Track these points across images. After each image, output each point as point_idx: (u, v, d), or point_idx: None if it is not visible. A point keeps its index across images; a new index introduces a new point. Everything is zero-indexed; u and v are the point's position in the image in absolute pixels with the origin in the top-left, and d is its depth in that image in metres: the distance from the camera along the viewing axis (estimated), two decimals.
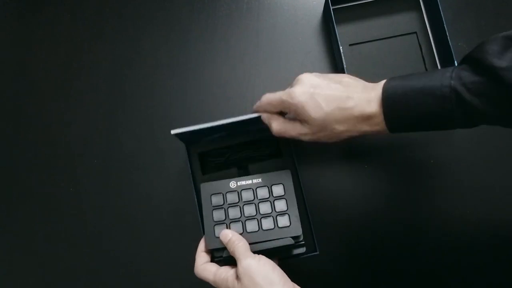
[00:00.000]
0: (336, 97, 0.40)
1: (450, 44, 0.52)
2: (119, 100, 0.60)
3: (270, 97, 0.45)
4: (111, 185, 0.58)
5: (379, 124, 0.40)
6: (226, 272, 0.42)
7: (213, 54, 0.60)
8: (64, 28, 0.63)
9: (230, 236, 0.43)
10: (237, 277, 0.40)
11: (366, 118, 0.39)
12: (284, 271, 0.53)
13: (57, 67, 0.61)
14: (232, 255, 0.42)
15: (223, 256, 0.44)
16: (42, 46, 0.62)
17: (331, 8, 0.54)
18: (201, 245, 0.46)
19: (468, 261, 0.53)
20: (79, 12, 0.63)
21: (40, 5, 0.64)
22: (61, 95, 0.61)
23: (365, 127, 0.40)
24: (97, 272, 0.56)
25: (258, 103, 0.47)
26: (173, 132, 0.45)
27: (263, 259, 0.41)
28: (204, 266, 0.43)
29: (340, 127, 0.40)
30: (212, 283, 0.42)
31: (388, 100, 0.38)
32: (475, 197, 0.54)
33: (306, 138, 0.43)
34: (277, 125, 0.45)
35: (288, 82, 0.58)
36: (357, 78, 0.43)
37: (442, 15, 0.52)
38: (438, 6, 0.52)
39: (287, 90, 0.43)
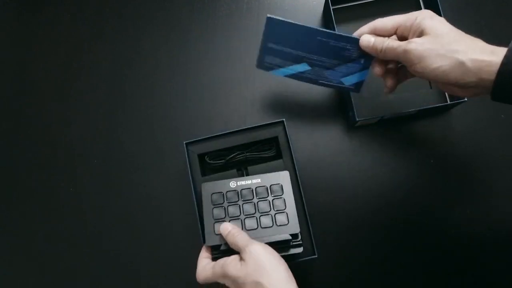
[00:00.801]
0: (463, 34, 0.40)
1: None
2: (119, 100, 0.60)
3: (384, 21, 0.44)
4: (111, 185, 0.58)
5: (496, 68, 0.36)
6: (225, 259, 0.42)
7: (213, 54, 0.60)
8: (64, 28, 0.63)
9: (230, 229, 0.44)
10: (241, 259, 0.41)
11: (482, 64, 0.37)
12: None
13: (57, 67, 0.62)
14: (234, 247, 0.42)
15: (221, 249, 0.45)
16: (42, 46, 0.62)
17: (331, 8, 0.54)
18: (202, 253, 0.46)
19: (468, 261, 0.53)
20: (79, 12, 0.63)
21: (40, 5, 0.64)
22: (61, 95, 0.61)
23: (490, 61, 0.37)
24: (97, 272, 0.56)
25: (364, 27, 0.45)
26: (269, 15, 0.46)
27: (268, 247, 0.41)
28: (203, 267, 0.44)
29: (467, 50, 0.38)
30: (212, 278, 0.42)
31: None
32: (475, 197, 0.54)
33: (418, 52, 0.40)
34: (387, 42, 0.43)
35: (288, 82, 0.58)
36: None
37: (442, 15, 0.52)
38: (438, 6, 0.52)
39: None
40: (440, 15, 0.52)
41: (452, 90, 0.41)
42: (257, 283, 0.38)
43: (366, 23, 0.57)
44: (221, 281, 0.42)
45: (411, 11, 0.57)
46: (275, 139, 0.52)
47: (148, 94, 0.60)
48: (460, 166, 0.55)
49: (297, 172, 0.50)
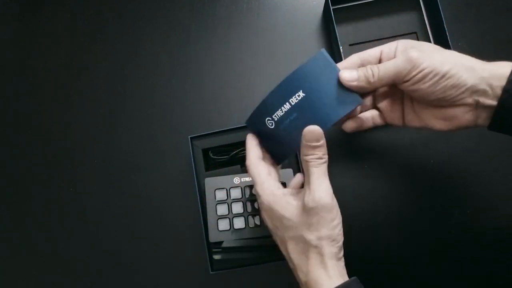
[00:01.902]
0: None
1: (450, 44, 0.52)
2: (119, 100, 0.60)
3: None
4: (111, 185, 0.58)
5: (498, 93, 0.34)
6: (284, 190, 0.37)
7: (213, 54, 0.60)
8: (64, 28, 0.63)
9: (322, 142, 0.36)
10: (304, 206, 0.35)
11: (493, 68, 0.35)
12: (284, 272, 0.54)
13: (57, 67, 0.62)
14: (305, 172, 0.36)
15: (223, 246, 0.46)
16: (42, 46, 0.62)
17: (331, 8, 0.54)
18: (251, 140, 0.40)
19: (468, 261, 0.53)
20: (79, 12, 0.63)
21: (40, 5, 0.64)
22: (61, 95, 0.61)
23: (487, 92, 0.34)
24: (98, 272, 0.56)
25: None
26: None
27: (336, 201, 0.36)
28: (258, 161, 0.39)
29: (466, 77, 0.34)
30: (259, 183, 0.37)
31: None
32: (475, 197, 0.54)
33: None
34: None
35: None
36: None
37: (442, 15, 0.52)
38: (438, 6, 0.52)
39: (403, 57, 0.35)
40: (440, 15, 0.52)
41: (445, 114, 0.37)
42: (304, 240, 0.34)
43: (366, 23, 0.57)
44: (262, 214, 0.38)
45: (411, 11, 0.57)
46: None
47: (148, 94, 0.60)
48: (460, 166, 0.55)
49: (301, 170, 0.50)
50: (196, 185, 0.50)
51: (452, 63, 0.35)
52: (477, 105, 0.35)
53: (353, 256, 0.54)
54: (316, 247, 0.34)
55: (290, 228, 0.36)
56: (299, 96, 0.38)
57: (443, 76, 0.34)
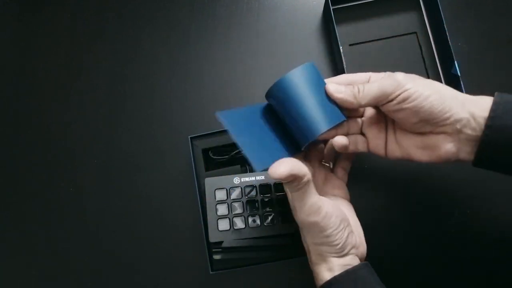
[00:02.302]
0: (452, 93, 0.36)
1: (450, 44, 0.52)
2: (119, 100, 0.60)
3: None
4: (111, 185, 0.58)
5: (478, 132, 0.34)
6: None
7: (213, 54, 0.60)
8: (64, 28, 0.63)
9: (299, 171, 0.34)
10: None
11: (476, 99, 0.35)
12: (284, 272, 0.54)
13: (57, 67, 0.62)
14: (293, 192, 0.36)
15: (223, 246, 0.46)
16: (42, 46, 0.62)
17: (331, 8, 0.54)
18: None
19: (468, 261, 0.53)
20: (79, 12, 0.63)
21: (40, 5, 0.64)
22: (61, 95, 0.61)
23: (468, 130, 0.35)
24: (98, 272, 0.56)
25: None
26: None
27: (323, 213, 0.36)
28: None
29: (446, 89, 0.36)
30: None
31: (497, 117, 0.33)
32: (475, 197, 0.54)
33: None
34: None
35: None
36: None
37: (442, 15, 0.52)
38: (438, 6, 0.52)
39: (389, 78, 0.36)
40: (440, 15, 0.52)
41: (426, 142, 0.37)
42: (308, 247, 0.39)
43: (366, 23, 0.58)
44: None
45: (411, 11, 0.57)
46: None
47: (148, 94, 0.60)
48: (460, 166, 0.55)
49: None
50: (196, 185, 0.50)
51: (436, 89, 0.35)
52: (460, 136, 0.36)
53: None
54: (313, 253, 0.39)
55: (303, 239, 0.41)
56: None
57: (427, 97, 0.35)
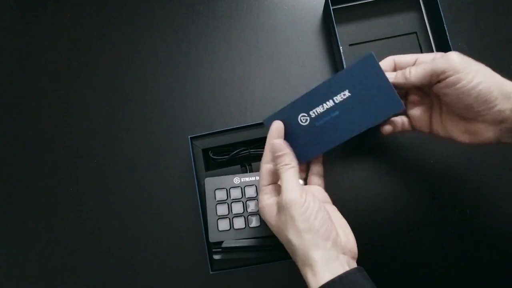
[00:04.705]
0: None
1: (450, 44, 0.52)
2: (119, 100, 0.60)
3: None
4: (111, 185, 0.58)
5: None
6: (275, 198, 0.38)
7: (213, 54, 0.60)
8: (64, 28, 0.63)
9: (285, 151, 0.38)
10: (278, 209, 0.37)
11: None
12: (284, 272, 0.54)
13: (57, 66, 0.62)
14: (277, 172, 0.38)
15: (223, 246, 0.46)
16: (42, 46, 0.62)
17: (331, 8, 0.54)
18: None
19: (468, 261, 0.53)
20: (79, 12, 0.63)
21: (40, 5, 0.64)
22: (61, 95, 0.61)
23: (503, 105, 0.35)
24: (97, 272, 0.56)
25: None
26: None
27: (310, 196, 0.36)
28: (262, 166, 0.40)
29: (486, 85, 0.35)
30: (259, 190, 0.40)
31: None
32: (475, 197, 0.54)
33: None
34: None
35: (288, 82, 0.58)
36: None
37: (442, 15, 0.52)
38: (438, 6, 0.52)
39: (442, 57, 0.36)
40: (440, 15, 0.52)
41: (469, 128, 0.38)
42: (288, 240, 0.36)
43: (366, 23, 0.57)
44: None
45: (411, 11, 0.57)
46: None
47: (148, 94, 0.60)
48: (460, 166, 0.55)
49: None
50: (196, 185, 0.50)
51: (487, 78, 0.35)
52: (502, 125, 0.36)
53: None
54: (297, 245, 0.35)
55: (278, 234, 0.38)
56: (344, 95, 0.39)
57: (475, 86, 0.35)
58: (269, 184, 0.40)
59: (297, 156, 0.40)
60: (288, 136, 0.42)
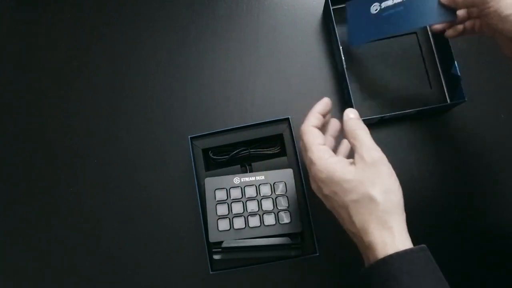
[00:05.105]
0: None
1: (450, 44, 0.52)
2: (119, 100, 0.60)
3: None
4: (111, 185, 0.58)
5: None
6: (337, 157, 0.37)
7: (213, 54, 0.60)
8: (64, 28, 0.63)
9: (354, 117, 0.38)
10: (353, 162, 0.35)
11: None
12: (284, 272, 0.54)
13: (57, 67, 0.62)
14: (348, 136, 0.37)
15: (223, 246, 0.45)
16: (42, 46, 0.62)
17: (331, 8, 0.54)
18: (318, 106, 0.41)
19: (467, 261, 0.53)
20: (79, 12, 0.63)
21: (40, 5, 0.64)
22: (61, 95, 0.61)
23: None
24: (97, 272, 0.56)
25: None
26: None
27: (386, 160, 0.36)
28: (312, 129, 0.39)
29: None
30: (314, 151, 0.37)
31: None
32: (475, 197, 0.54)
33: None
34: None
35: (288, 82, 0.58)
36: None
37: None
38: None
39: None
40: None
41: None
42: (369, 197, 0.33)
43: None
44: (315, 183, 0.37)
45: None
46: (279, 136, 0.52)
47: (148, 94, 0.60)
48: (460, 166, 0.55)
49: (301, 170, 0.50)
50: (196, 185, 0.50)
51: None
52: None
53: (354, 255, 0.54)
54: (381, 203, 0.33)
55: (352, 190, 0.34)
56: None
57: (505, 17, 0.37)
58: (322, 144, 0.38)
59: (358, 36, 0.51)
60: (358, 18, 0.51)
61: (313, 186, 0.38)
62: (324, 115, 0.41)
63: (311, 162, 0.37)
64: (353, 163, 0.36)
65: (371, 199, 0.34)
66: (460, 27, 0.47)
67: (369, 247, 0.34)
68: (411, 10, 0.46)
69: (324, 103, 0.41)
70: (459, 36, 0.48)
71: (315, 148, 0.37)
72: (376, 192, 0.34)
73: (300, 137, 0.39)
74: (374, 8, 0.50)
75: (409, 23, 0.47)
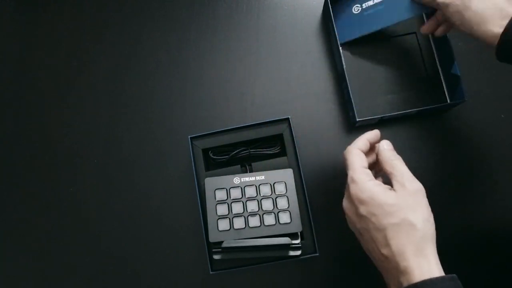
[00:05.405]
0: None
1: (450, 44, 0.52)
2: (119, 100, 0.60)
3: None
4: (111, 185, 0.58)
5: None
6: (375, 182, 0.38)
7: (213, 54, 0.60)
8: (64, 28, 0.63)
9: (388, 148, 0.41)
10: (407, 191, 0.36)
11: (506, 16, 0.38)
12: (284, 272, 0.54)
13: (57, 67, 0.62)
14: (385, 166, 0.39)
15: (223, 246, 0.45)
16: (42, 46, 0.62)
17: (331, 8, 0.54)
18: (368, 134, 0.42)
19: (467, 260, 0.53)
20: (79, 12, 0.63)
21: (40, 4, 0.64)
22: (61, 95, 0.61)
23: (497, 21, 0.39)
24: (97, 272, 0.56)
25: None
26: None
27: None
28: (358, 151, 0.40)
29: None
30: (358, 172, 0.38)
31: None
32: (475, 197, 0.54)
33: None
34: None
35: (288, 82, 0.58)
36: None
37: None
38: None
39: None
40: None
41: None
42: (409, 223, 0.34)
43: None
44: (351, 202, 0.38)
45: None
46: (279, 136, 0.52)
47: (148, 94, 0.60)
48: (460, 166, 0.55)
49: (301, 170, 0.50)
50: (196, 185, 0.50)
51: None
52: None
53: (355, 254, 0.54)
54: (420, 230, 0.34)
55: (393, 214, 0.35)
56: None
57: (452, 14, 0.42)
58: (366, 168, 0.39)
59: (343, 35, 0.55)
60: (341, 19, 0.56)
61: (346, 205, 0.39)
62: (371, 144, 0.42)
63: (353, 181, 0.38)
64: (392, 189, 0.37)
65: (411, 225, 0.34)
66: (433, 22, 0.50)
67: (404, 271, 0.34)
68: (390, 8, 0.51)
69: (375, 134, 0.42)
70: (445, 32, 0.50)
71: (358, 170, 0.38)
72: (417, 219, 0.35)
73: (345, 157, 0.40)
74: (356, 9, 0.55)
75: (389, 19, 0.52)
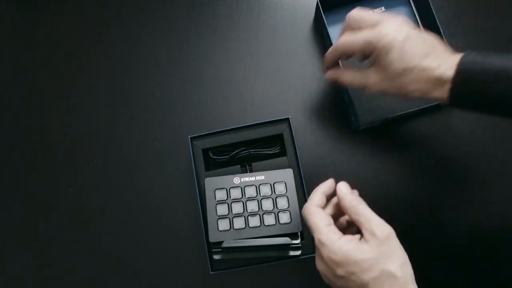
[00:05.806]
0: (423, 52, 0.38)
1: (449, 44, 0.52)
2: (119, 100, 0.60)
3: (350, 40, 0.41)
4: (111, 185, 0.58)
5: (446, 93, 0.38)
6: (339, 240, 0.36)
7: (213, 54, 0.60)
8: (64, 28, 0.63)
9: (346, 192, 0.39)
10: (362, 238, 0.36)
11: (443, 82, 0.37)
12: (284, 272, 0.54)
13: (57, 67, 0.62)
14: (351, 215, 0.38)
15: (223, 246, 0.45)
16: (42, 46, 0.62)
17: (322, 12, 0.53)
18: (322, 187, 0.40)
19: (467, 260, 0.53)
20: (79, 12, 0.63)
21: (40, 4, 0.64)
22: (61, 95, 0.61)
23: (436, 93, 0.38)
24: (97, 272, 0.56)
25: (332, 49, 0.44)
26: None
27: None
28: (317, 209, 0.38)
29: (413, 86, 0.38)
30: (324, 233, 0.37)
31: (465, 72, 0.36)
32: (475, 197, 0.54)
33: (374, 88, 0.41)
34: (349, 77, 0.44)
35: (288, 82, 0.58)
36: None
37: (435, 14, 0.51)
38: (430, 6, 0.52)
39: (375, 31, 0.39)
40: (432, 14, 0.52)
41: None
42: (388, 273, 0.34)
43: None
44: (326, 265, 0.37)
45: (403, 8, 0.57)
46: (279, 136, 0.52)
47: (148, 94, 0.60)
48: (460, 166, 0.55)
49: (301, 170, 0.50)
50: (196, 185, 0.50)
51: (403, 70, 0.38)
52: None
53: None
54: (400, 277, 0.34)
55: (370, 268, 0.35)
56: None
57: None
58: (330, 225, 0.38)
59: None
60: (334, 25, 0.54)
61: (321, 268, 0.38)
62: (328, 195, 0.40)
63: (322, 244, 0.37)
64: (364, 240, 0.36)
65: (390, 275, 0.34)
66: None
67: None
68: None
69: (329, 184, 0.41)
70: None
71: (323, 230, 0.37)
72: (394, 267, 0.34)
73: (305, 216, 0.39)
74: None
75: None
